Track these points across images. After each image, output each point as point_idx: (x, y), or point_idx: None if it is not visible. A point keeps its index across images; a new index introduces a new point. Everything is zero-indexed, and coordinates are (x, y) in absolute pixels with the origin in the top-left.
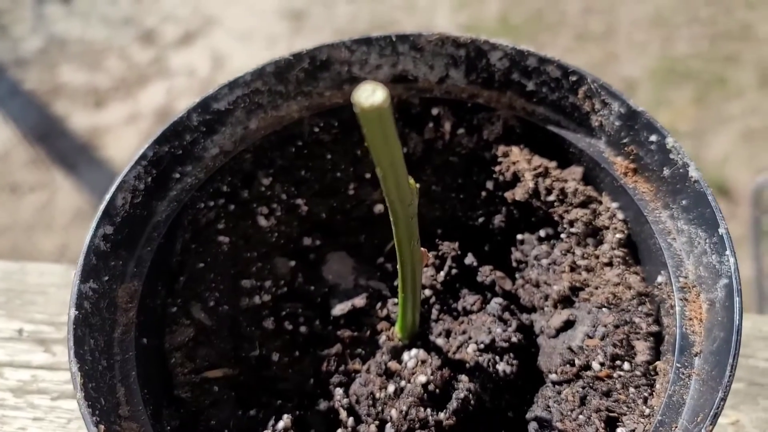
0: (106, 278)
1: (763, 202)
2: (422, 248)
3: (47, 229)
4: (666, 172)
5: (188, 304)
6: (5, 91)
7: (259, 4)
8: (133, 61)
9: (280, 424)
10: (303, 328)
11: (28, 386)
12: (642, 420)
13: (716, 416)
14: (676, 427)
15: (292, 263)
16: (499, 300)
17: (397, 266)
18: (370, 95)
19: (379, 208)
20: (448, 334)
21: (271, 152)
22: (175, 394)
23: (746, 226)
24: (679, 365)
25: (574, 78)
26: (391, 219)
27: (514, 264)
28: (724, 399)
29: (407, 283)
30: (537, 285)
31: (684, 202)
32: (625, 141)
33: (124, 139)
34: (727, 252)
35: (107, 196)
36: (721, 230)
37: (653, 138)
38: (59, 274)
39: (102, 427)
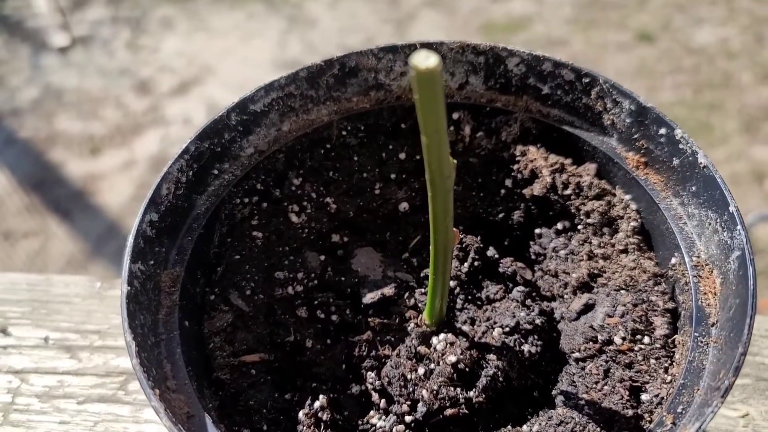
0: (152, 262)
1: (751, 242)
2: (454, 228)
3: None
4: (675, 162)
5: (226, 292)
6: (1, 140)
7: (254, 56)
8: (129, 109)
9: (317, 404)
10: (334, 317)
11: (55, 391)
12: (665, 386)
13: (738, 369)
14: (698, 388)
15: (322, 257)
16: (521, 288)
17: (430, 246)
18: (425, 60)
19: (403, 206)
20: (473, 321)
21: (302, 153)
22: (214, 376)
23: None
24: (697, 335)
25: (587, 80)
26: (429, 193)
27: (533, 257)
28: (744, 353)
29: (439, 262)
30: (556, 275)
31: (693, 188)
32: (636, 136)
33: (119, 186)
34: (738, 227)
35: (154, 185)
36: (731, 208)
37: (662, 131)
38: (83, 284)
39: (157, 390)
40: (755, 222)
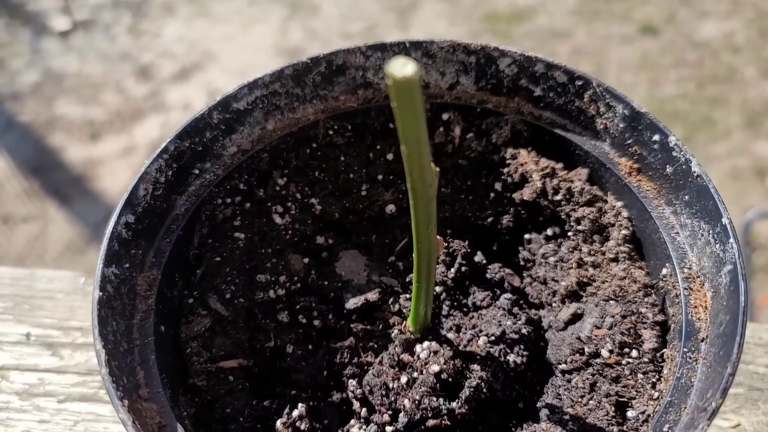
0: (127, 265)
1: (752, 238)
2: (437, 236)
3: (38, 261)
4: (669, 169)
5: (205, 296)
6: (1, 124)
7: (255, 42)
8: (130, 95)
9: (295, 412)
10: (317, 322)
11: (35, 389)
12: (651, 402)
13: (725, 390)
14: (686, 406)
15: (306, 260)
16: (508, 296)
17: (413, 254)
18: (402, 68)
19: (390, 208)
20: (458, 328)
21: (287, 153)
22: (191, 383)
23: None
24: (686, 350)
25: (579, 83)
26: (411, 201)
27: (522, 263)
28: (732, 374)
29: (422, 270)
30: (544, 282)
31: (686, 197)
32: (629, 142)
33: (119, 171)
34: (731, 240)
35: (130, 186)
36: (724, 220)
37: (656, 138)
38: (67, 280)
39: (126, 401)
40: (756, 218)
